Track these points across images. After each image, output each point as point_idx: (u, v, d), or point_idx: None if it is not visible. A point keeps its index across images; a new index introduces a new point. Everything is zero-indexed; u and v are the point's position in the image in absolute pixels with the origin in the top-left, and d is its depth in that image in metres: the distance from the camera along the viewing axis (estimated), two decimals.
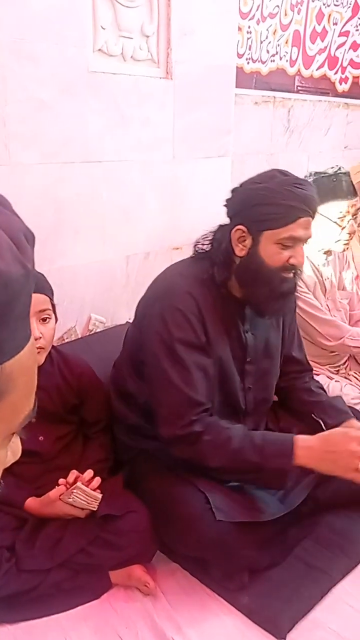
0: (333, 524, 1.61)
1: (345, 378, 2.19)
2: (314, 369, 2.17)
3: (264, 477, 1.35)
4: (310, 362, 2.17)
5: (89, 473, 1.36)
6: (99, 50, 1.78)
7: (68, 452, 1.42)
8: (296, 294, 1.65)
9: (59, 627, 1.32)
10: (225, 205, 1.44)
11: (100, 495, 1.35)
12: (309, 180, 1.86)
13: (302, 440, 1.35)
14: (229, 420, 1.45)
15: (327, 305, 2.18)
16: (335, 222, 1.98)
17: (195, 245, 1.49)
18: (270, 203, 1.34)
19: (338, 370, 2.23)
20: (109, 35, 1.79)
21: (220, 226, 1.46)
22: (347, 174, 2.00)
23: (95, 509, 1.35)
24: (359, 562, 1.51)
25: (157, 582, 1.43)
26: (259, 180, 1.39)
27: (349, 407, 1.67)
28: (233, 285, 1.44)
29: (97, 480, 1.36)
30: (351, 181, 2.04)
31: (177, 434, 1.36)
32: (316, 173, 2.00)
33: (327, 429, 1.49)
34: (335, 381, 2.14)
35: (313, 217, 1.38)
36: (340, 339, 2.05)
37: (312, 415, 1.61)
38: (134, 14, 1.84)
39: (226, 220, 1.45)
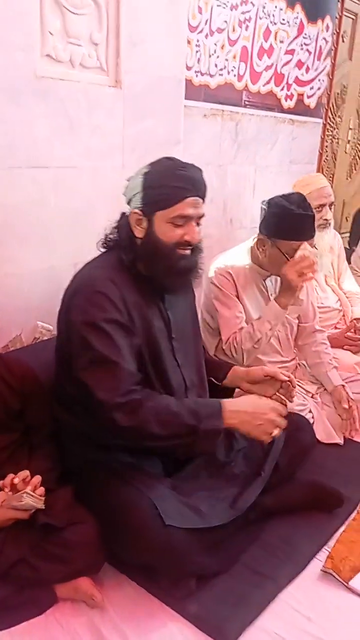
0: (279, 530, 1.64)
1: None
2: None
3: (198, 440, 1.41)
4: None
5: (37, 478, 1.34)
6: (47, 55, 1.76)
7: (12, 462, 1.38)
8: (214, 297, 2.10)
9: None
10: (124, 194, 1.53)
11: (43, 497, 1.33)
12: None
13: (230, 404, 1.48)
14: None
15: None
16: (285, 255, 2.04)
17: (106, 237, 1.57)
18: (157, 186, 1.45)
19: None
20: (57, 41, 1.78)
21: (123, 214, 1.55)
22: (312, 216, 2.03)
23: (43, 507, 1.33)
24: (303, 567, 1.54)
25: (104, 594, 1.41)
26: (147, 167, 1.49)
27: (293, 413, 1.73)
28: (143, 266, 1.52)
29: (41, 490, 1.34)
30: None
31: (117, 402, 1.37)
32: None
33: (220, 383, 1.76)
34: None
35: (202, 197, 1.50)
36: (242, 352, 2.09)
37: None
38: (83, 21, 1.83)
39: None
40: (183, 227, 1.46)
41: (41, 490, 1.33)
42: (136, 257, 1.50)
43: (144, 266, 1.50)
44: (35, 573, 1.35)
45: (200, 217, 1.50)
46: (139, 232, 1.49)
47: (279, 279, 2.17)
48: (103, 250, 1.58)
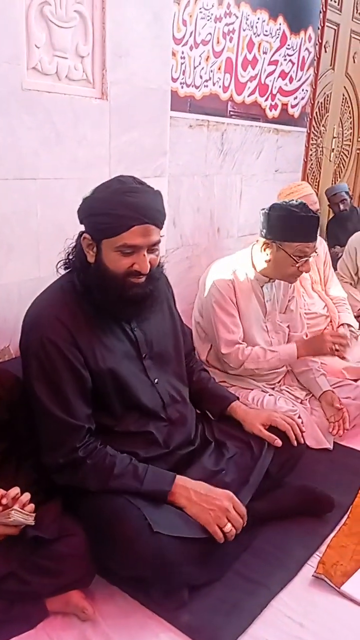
0: (270, 536, 1.64)
1: (279, 392, 2.25)
2: (251, 386, 2.22)
3: (142, 496, 1.40)
4: (247, 380, 2.23)
5: (26, 496, 1.32)
6: (33, 68, 1.77)
7: (0, 473, 1.37)
8: (214, 304, 2.11)
9: None
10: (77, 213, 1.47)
11: (33, 513, 1.32)
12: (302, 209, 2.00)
13: (183, 480, 1.45)
14: (152, 421, 1.54)
15: (266, 327, 2.24)
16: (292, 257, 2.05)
17: (67, 256, 1.50)
18: (101, 213, 1.36)
19: (273, 387, 2.28)
20: (43, 53, 1.79)
21: (80, 234, 1.47)
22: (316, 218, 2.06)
23: (33, 523, 1.31)
24: (296, 573, 1.54)
25: (96, 607, 1.39)
26: (97, 190, 1.42)
27: None
28: (96, 293, 1.46)
29: (31, 507, 1.33)
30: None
31: (59, 462, 1.40)
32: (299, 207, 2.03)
33: (213, 417, 1.75)
34: (270, 395, 2.19)
35: (154, 224, 1.40)
36: (240, 366, 2.14)
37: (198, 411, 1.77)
38: (69, 34, 1.85)
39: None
40: (132, 256, 1.38)
41: (31, 506, 1.31)
42: (89, 283, 1.43)
43: (96, 293, 1.43)
44: (25, 587, 1.33)
45: (154, 244, 1.41)
46: (90, 257, 1.43)
47: (275, 284, 2.21)
48: (64, 271, 1.51)
